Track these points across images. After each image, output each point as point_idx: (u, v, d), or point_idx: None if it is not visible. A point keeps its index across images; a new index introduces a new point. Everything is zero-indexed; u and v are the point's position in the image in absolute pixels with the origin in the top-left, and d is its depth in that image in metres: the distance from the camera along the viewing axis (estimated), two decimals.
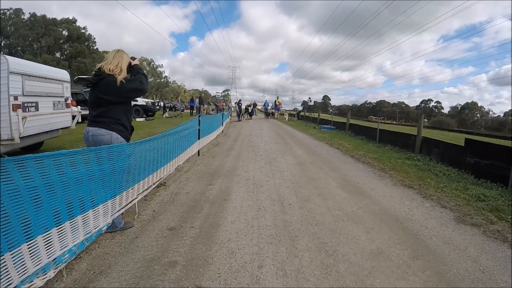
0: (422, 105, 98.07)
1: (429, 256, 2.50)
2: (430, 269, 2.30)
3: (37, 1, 72.22)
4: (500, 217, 3.41)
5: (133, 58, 2.93)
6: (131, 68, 2.85)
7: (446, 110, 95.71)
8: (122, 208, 2.64)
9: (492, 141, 6.17)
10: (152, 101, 23.78)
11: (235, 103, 32.00)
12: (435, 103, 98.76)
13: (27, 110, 5.00)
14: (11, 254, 1.46)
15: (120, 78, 2.62)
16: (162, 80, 73.79)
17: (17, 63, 4.87)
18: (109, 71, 2.61)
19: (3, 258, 1.42)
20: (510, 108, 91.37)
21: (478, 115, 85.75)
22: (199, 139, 6.55)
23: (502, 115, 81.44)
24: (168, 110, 27.65)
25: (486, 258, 2.51)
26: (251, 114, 26.96)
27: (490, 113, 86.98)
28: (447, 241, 2.80)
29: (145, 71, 2.97)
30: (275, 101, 30.53)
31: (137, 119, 17.62)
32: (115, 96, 2.62)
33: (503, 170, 4.81)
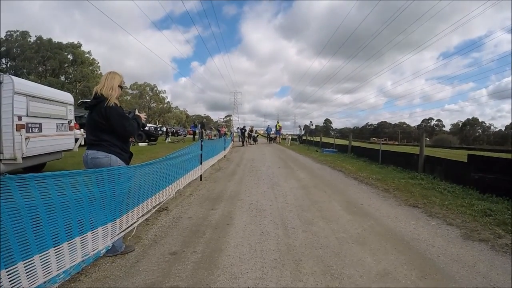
0: (423, 124, 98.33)
1: (438, 275, 2.44)
2: None
3: (40, 24, 75.21)
4: (507, 230, 3.36)
5: (140, 112, 3.08)
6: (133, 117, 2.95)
7: (447, 128, 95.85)
8: (122, 231, 2.63)
9: (495, 155, 6.15)
10: (155, 126, 24.01)
11: (237, 128, 32.30)
12: (436, 121, 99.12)
13: (30, 131, 5.06)
14: (7, 272, 1.46)
15: (112, 99, 2.67)
16: (165, 105, 75.16)
17: (22, 83, 5.00)
18: (105, 94, 2.68)
19: None
20: (511, 122, 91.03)
21: (480, 130, 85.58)
22: (201, 163, 6.57)
23: (503, 128, 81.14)
24: (170, 135, 27.87)
25: (496, 273, 2.45)
26: (255, 140, 27.14)
27: (492, 127, 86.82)
28: (455, 259, 2.74)
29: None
30: (276, 125, 30.77)
31: (140, 144, 17.75)
32: (109, 121, 2.63)
33: (508, 183, 4.76)
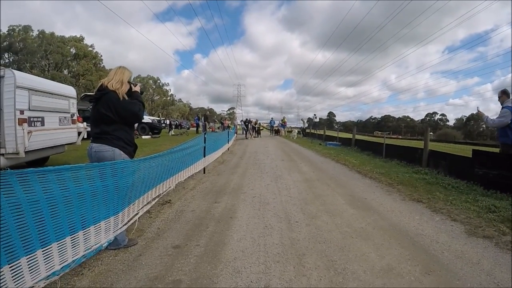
0: (427, 118, 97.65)
1: (441, 271, 2.42)
2: (443, 284, 2.23)
3: (43, 18, 75.00)
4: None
5: (134, 84, 2.98)
6: (130, 94, 2.88)
7: (451, 123, 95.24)
8: (124, 225, 2.63)
9: (498, 150, 6.08)
10: (158, 118, 24.02)
11: (241, 121, 32.39)
12: (440, 115, 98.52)
13: (32, 125, 5.07)
14: (10, 267, 1.46)
15: (121, 93, 2.67)
16: (168, 98, 74.94)
17: (24, 77, 4.98)
18: (112, 87, 2.66)
19: (2, 271, 1.42)
20: None
21: (484, 126, 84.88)
22: (204, 156, 6.57)
23: None
24: (173, 127, 27.91)
25: (500, 271, 2.43)
26: (258, 133, 27.14)
27: None
28: (459, 255, 2.72)
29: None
30: (282, 119, 31.16)
31: (143, 137, 17.77)
32: (116, 114, 2.63)
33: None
